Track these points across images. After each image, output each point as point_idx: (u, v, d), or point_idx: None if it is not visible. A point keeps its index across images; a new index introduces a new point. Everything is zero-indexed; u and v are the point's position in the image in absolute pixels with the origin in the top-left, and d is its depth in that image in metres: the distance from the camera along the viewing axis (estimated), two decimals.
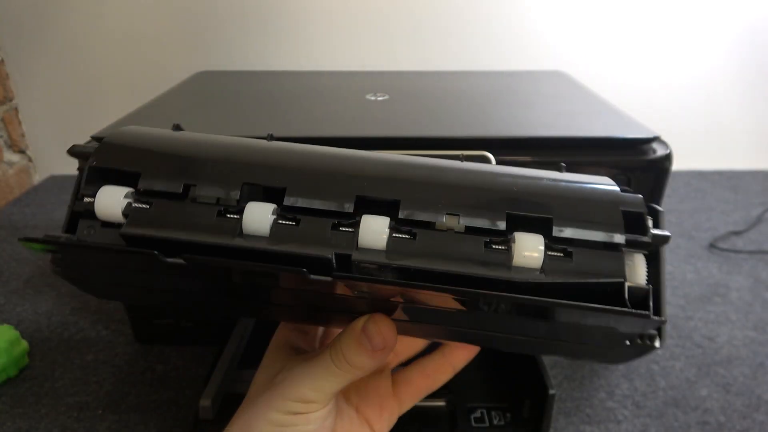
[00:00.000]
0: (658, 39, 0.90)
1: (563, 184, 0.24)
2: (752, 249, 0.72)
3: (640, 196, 0.24)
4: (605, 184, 0.25)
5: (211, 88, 0.64)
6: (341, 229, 0.22)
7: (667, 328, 0.57)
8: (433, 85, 0.64)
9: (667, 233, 0.24)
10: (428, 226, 0.22)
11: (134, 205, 0.22)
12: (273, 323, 0.34)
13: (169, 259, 0.21)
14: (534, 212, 0.22)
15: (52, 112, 0.93)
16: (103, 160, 0.23)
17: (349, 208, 0.22)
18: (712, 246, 0.73)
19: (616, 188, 0.24)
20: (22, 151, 0.94)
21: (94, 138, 0.44)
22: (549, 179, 0.24)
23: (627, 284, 0.22)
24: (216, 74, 0.72)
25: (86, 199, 0.23)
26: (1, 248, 0.73)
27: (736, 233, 0.76)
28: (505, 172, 0.25)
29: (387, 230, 0.22)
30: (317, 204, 0.22)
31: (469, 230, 0.22)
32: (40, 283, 0.65)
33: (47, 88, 0.92)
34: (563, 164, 0.27)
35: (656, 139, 0.45)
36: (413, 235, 0.22)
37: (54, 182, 0.95)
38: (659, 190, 0.44)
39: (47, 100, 0.92)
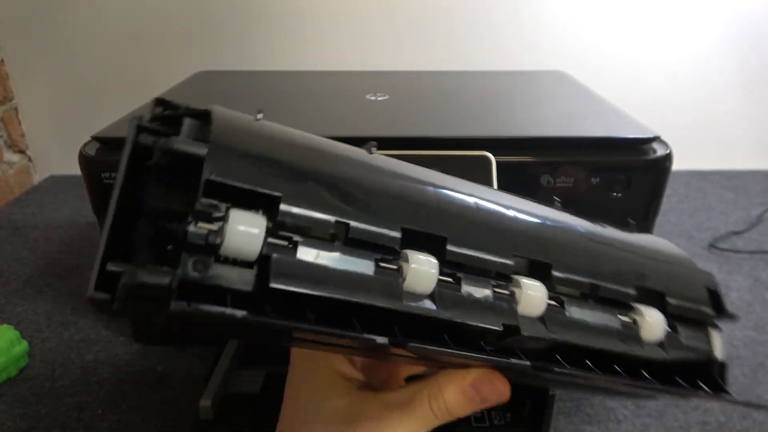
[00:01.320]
0: (659, 38, 0.90)
1: (661, 256, 0.25)
2: (752, 249, 0.72)
3: (711, 272, 0.26)
4: (679, 254, 0.27)
5: (211, 88, 0.64)
6: (497, 291, 0.20)
7: None
8: (433, 85, 0.64)
9: (735, 314, 0.26)
10: (573, 294, 0.22)
11: (275, 242, 0.16)
12: None
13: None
14: (656, 287, 0.23)
15: (52, 112, 0.93)
16: (225, 172, 0.16)
17: (508, 269, 0.20)
18: (712, 246, 0.73)
19: (688, 256, 0.27)
20: (22, 151, 0.94)
21: (95, 138, 0.44)
22: (650, 250, 0.25)
23: (714, 360, 0.24)
24: (216, 74, 0.72)
25: (201, 225, 0.15)
26: (1, 248, 0.73)
27: (736, 233, 0.76)
28: (620, 244, 0.25)
29: (545, 299, 0.20)
30: (477, 262, 0.20)
31: (603, 300, 0.22)
32: (40, 283, 0.65)
33: (47, 88, 0.92)
34: (633, 222, 0.28)
35: (656, 138, 0.45)
36: (561, 304, 0.21)
37: (54, 182, 0.95)
38: (659, 190, 0.44)
39: (47, 100, 0.92)
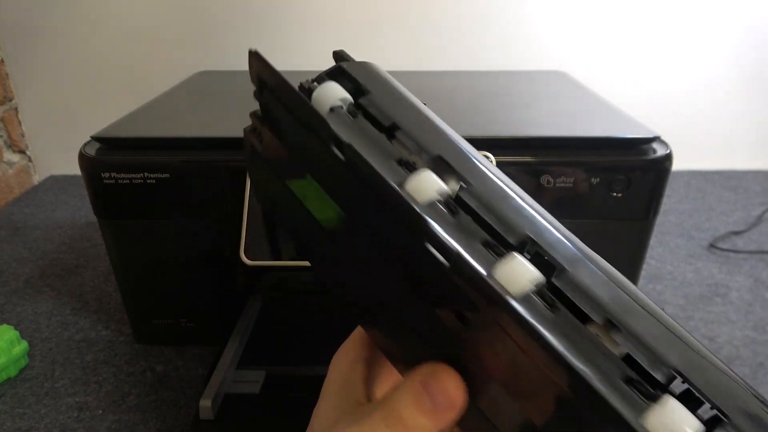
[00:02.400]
0: (659, 39, 0.90)
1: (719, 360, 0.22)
2: (752, 249, 0.72)
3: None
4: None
5: (211, 88, 0.64)
6: (490, 252, 0.19)
7: None
8: (433, 85, 0.64)
9: None
10: (582, 320, 0.18)
11: (343, 110, 0.23)
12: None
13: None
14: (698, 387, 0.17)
15: (52, 112, 0.93)
16: (353, 68, 0.27)
17: (508, 240, 0.19)
18: (712, 246, 0.73)
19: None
20: (22, 151, 0.94)
21: (95, 138, 0.44)
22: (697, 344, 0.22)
23: None
24: (216, 74, 0.72)
25: (314, 83, 0.25)
26: (1, 248, 0.73)
27: (736, 233, 0.76)
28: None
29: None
30: (487, 215, 0.20)
31: (628, 360, 0.17)
32: (40, 283, 0.65)
33: (47, 88, 0.92)
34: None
35: (656, 139, 0.45)
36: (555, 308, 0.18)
37: (54, 182, 0.95)
38: (659, 190, 0.44)
39: (47, 100, 0.92)
